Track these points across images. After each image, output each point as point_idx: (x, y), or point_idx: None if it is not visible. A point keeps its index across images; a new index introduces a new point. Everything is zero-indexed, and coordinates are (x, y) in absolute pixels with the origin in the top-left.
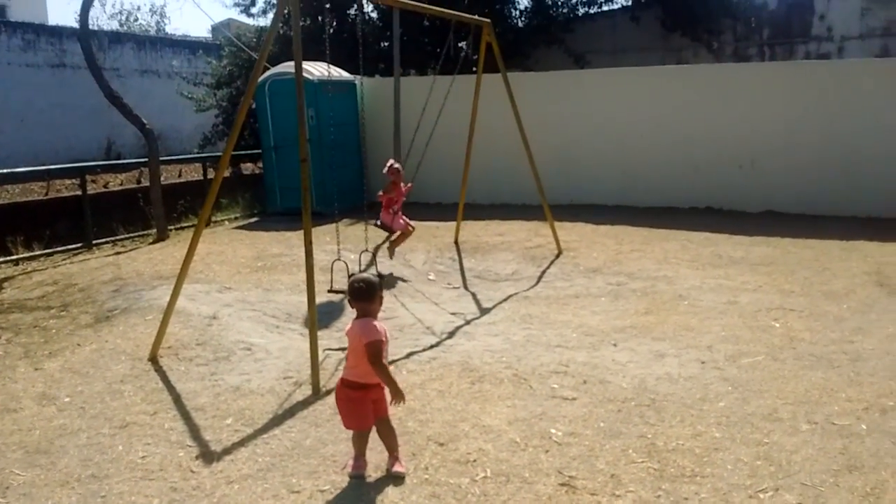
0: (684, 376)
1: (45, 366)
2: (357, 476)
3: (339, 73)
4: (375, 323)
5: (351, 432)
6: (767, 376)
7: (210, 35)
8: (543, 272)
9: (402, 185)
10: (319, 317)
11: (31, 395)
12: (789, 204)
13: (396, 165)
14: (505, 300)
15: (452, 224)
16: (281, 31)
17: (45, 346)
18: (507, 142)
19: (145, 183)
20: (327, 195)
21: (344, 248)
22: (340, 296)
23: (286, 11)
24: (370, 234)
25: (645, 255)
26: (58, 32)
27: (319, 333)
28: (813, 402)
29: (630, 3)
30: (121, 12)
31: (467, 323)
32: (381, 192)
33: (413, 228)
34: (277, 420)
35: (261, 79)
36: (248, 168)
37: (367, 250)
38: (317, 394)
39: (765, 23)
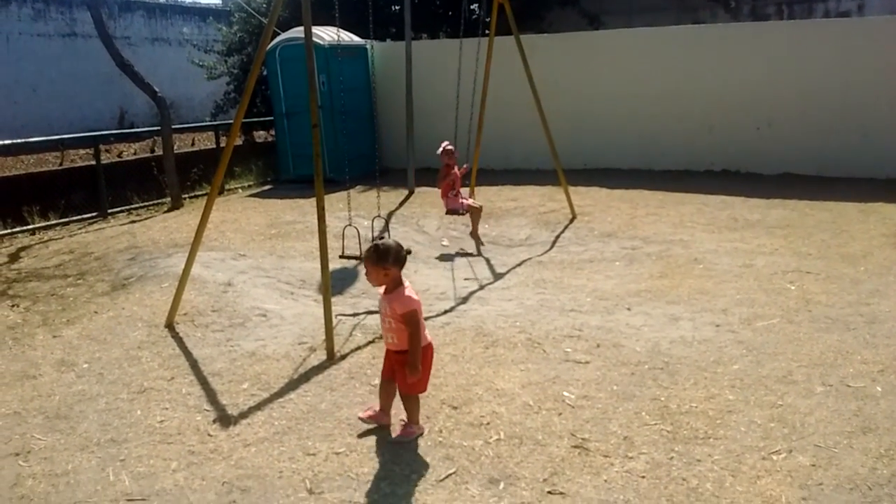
0: (698, 339)
1: (63, 333)
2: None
3: (349, 37)
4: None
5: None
6: (782, 339)
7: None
8: (557, 237)
9: (456, 167)
10: (334, 283)
11: (50, 362)
12: (807, 166)
13: (450, 147)
14: (518, 265)
15: (466, 190)
16: None
17: (63, 314)
18: (520, 106)
19: (159, 152)
20: (340, 162)
21: (357, 214)
22: (353, 262)
23: None
24: (383, 199)
25: (660, 219)
26: (67, 2)
27: (333, 300)
28: (828, 364)
29: None
30: None
31: (481, 288)
32: (439, 180)
33: (480, 206)
34: (293, 384)
35: (271, 44)
36: (260, 136)
37: (379, 216)
38: (331, 359)
39: None
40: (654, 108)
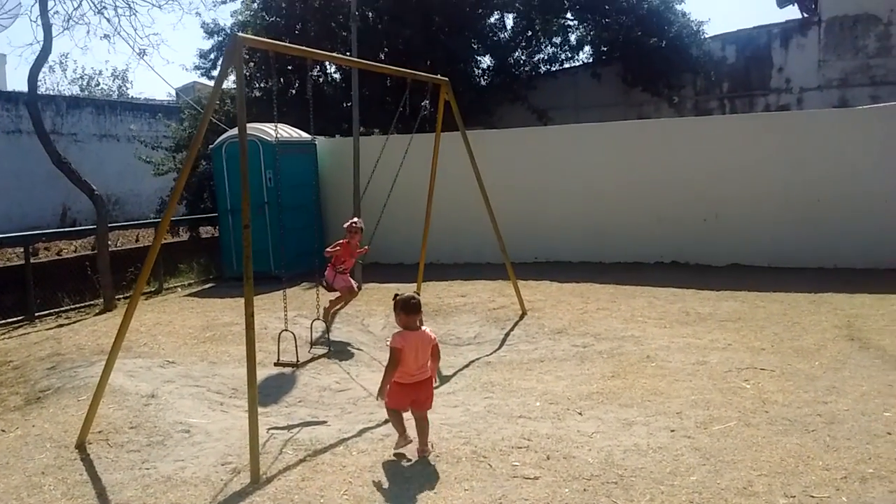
0: (653, 447)
1: None
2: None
3: (298, 133)
4: (401, 333)
5: None
6: (741, 444)
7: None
8: (507, 335)
9: (356, 244)
10: (268, 391)
11: None
12: (756, 256)
13: (359, 224)
14: (466, 366)
15: (414, 286)
16: (247, 93)
17: None
18: (469, 200)
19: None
20: (286, 258)
21: (300, 314)
22: (290, 369)
23: (247, 74)
24: (327, 297)
25: (611, 314)
26: (14, 98)
27: (267, 409)
28: (789, 472)
29: (591, 60)
30: (82, 77)
31: None
32: (328, 248)
33: (358, 291)
34: None
35: (217, 141)
36: (208, 231)
37: (319, 318)
38: (255, 482)
39: (724, 76)
40: (603, 201)
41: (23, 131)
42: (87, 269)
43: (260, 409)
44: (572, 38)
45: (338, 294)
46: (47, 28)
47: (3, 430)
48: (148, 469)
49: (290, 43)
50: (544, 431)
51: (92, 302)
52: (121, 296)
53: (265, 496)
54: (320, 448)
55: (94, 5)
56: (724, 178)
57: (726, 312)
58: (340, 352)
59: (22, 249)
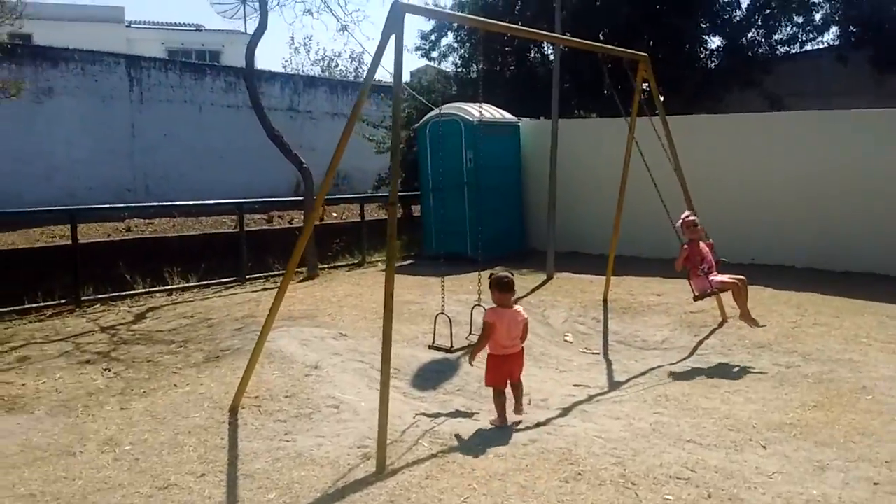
0: (846, 501)
1: (131, 406)
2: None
3: (501, 114)
4: (494, 310)
5: None
6: None
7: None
8: (700, 343)
9: (701, 242)
10: (428, 375)
11: (100, 438)
12: None
13: (692, 218)
14: (643, 374)
15: (602, 279)
16: (464, 74)
17: (144, 384)
18: (678, 189)
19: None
20: (483, 240)
21: (477, 303)
22: (447, 354)
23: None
24: (517, 283)
25: (829, 332)
26: (258, 76)
27: (423, 394)
28: None
29: (837, 42)
30: (322, 58)
31: (589, 399)
32: (678, 261)
33: (744, 280)
34: (323, 502)
35: (423, 120)
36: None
37: (479, 304)
38: (380, 472)
39: None
40: (839, 201)
41: (264, 106)
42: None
43: (416, 394)
44: (816, 16)
45: (728, 291)
46: (263, 5)
47: (176, 385)
48: (286, 442)
49: (507, 23)
50: (713, 463)
51: (298, 269)
52: (325, 266)
53: (383, 490)
54: (456, 445)
55: None
56: None
57: None
58: None
59: (260, 216)
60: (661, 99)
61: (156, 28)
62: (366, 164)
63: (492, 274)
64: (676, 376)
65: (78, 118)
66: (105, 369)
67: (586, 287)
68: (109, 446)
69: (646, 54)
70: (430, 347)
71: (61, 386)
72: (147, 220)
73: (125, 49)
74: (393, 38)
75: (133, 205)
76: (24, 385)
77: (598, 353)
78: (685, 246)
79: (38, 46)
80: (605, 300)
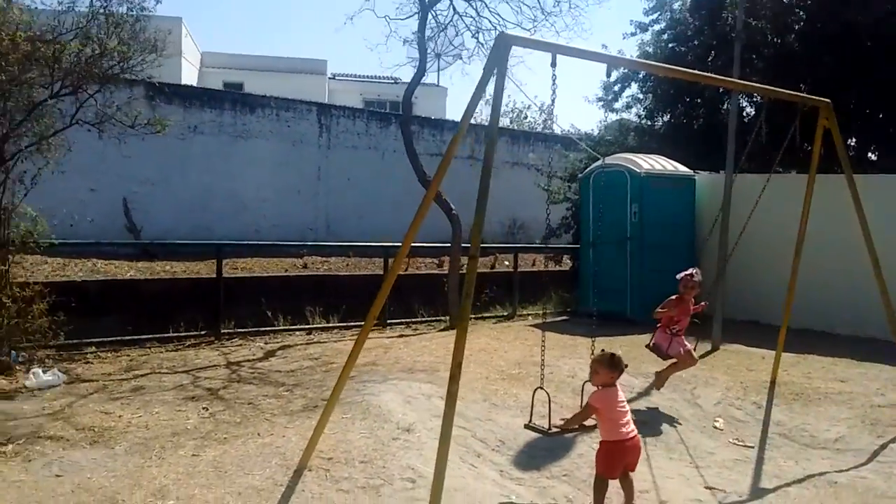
0: None
1: (203, 453)
2: None
3: (674, 166)
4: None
5: None
6: None
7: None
8: (883, 447)
9: (691, 301)
10: (535, 453)
11: (151, 488)
12: None
13: (697, 278)
14: (799, 481)
15: (772, 353)
16: (648, 125)
17: (231, 429)
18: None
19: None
20: (645, 301)
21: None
22: (567, 433)
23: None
24: (656, 365)
25: None
26: (440, 125)
27: (522, 476)
28: None
29: None
30: (512, 110)
31: None
32: (658, 308)
33: (695, 361)
34: None
35: (587, 170)
36: None
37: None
38: None
39: None
40: None
41: (441, 154)
42: (443, 286)
43: (514, 473)
44: None
45: (674, 360)
46: (422, 50)
47: (259, 435)
48: None
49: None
50: None
51: (440, 317)
52: (472, 315)
53: None
54: None
55: (470, 28)
56: None
57: None
58: (650, 423)
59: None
60: (848, 152)
61: (355, 80)
62: (541, 214)
63: (603, 350)
64: (841, 489)
65: (269, 159)
66: (204, 408)
67: (755, 364)
68: (154, 499)
69: (828, 100)
70: (526, 427)
71: (153, 422)
72: (323, 259)
73: (326, 99)
74: (495, 72)
75: (278, 243)
76: (119, 417)
77: (751, 447)
78: (674, 298)
79: (239, 93)
80: (772, 382)
